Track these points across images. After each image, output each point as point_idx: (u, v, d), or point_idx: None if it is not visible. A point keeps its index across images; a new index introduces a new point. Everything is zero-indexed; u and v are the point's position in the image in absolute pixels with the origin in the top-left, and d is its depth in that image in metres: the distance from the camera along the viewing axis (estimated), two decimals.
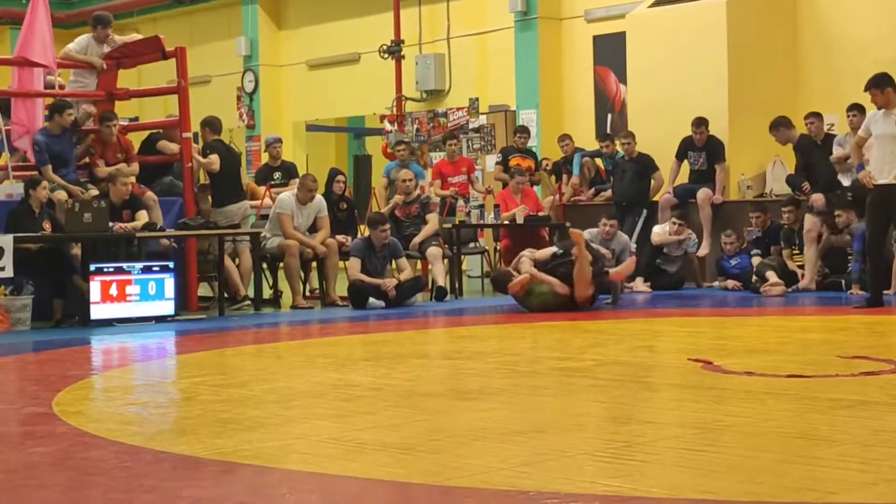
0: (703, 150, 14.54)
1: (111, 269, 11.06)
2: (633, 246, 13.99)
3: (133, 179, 12.29)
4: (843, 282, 12.59)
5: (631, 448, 4.90)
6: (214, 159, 12.83)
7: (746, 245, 13.58)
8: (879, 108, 10.85)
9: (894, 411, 5.77)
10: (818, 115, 13.56)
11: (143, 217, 11.69)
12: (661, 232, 13.95)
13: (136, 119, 14.94)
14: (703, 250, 14.27)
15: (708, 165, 14.52)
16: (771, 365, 7.25)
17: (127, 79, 14.16)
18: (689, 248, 13.99)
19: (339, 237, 13.03)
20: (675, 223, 13.86)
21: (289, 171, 14.48)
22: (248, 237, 12.62)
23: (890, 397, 6.10)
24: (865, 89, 10.90)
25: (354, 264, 12.31)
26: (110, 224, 11.27)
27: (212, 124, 13.28)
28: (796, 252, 13.18)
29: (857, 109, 13.10)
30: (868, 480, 4.26)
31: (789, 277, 12.92)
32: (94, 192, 11.89)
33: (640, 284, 13.67)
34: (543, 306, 11.38)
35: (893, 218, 10.83)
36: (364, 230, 15.23)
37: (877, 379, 6.66)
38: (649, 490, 4.13)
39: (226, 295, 12.34)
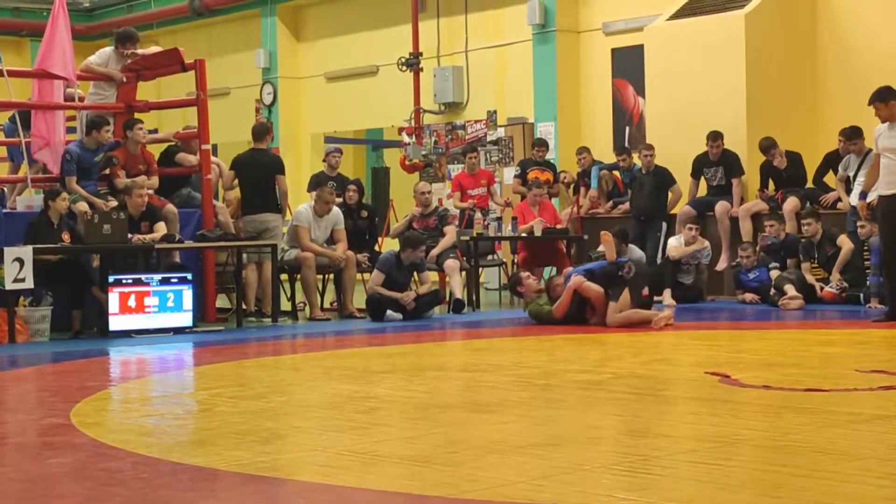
0: (720, 164, 14.53)
1: (129, 281, 11.09)
2: (659, 258, 14.01)
3: (152, 192, 12.31)
4: (862, 295, 12.55)
5: (647, 461, 4.89)
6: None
7: (762, 256, 13.53)
8: (884, 122, 10.85)
9: None
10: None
11: (161, 229, 11.72)
12: (677, 244, 13.93)
13: (156, 131, 14.98)
14: (722, 264, 14.24)
15: (726, 180, 14.50)
16: (789, 379, 7.24)
17: (146, 91, 14.20)
18: (703, 258, 13.97)
19: (359, 256, 13.03)
20: (690, 228, 13.83)
21: (343, 183, 14.44)
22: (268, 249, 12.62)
23: None
24: (869, 103, 10.91)
25: (377, 277, 12.32)
26: (129, 236, 11.30)
27: (252, 131, 13.50)
28: (815, 265, 13.15)
29: (844, 134, 13.20)
30: (886, 495, 4.25)
31: (808, 291, 12.88)
32: (114, 203, 11.93)
33: (668, 298, 13.63)
34: (537, 316, 11.54)
35: None
36: (382, 242, 15.28)
37: (895, 393, 6.64)
38: (666, 503, 4.13)
39: (244, 307, 12.44)
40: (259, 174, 13.05)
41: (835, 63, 15.08)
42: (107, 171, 12.37)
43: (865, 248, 12.57)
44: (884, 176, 10.82)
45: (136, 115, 12.90)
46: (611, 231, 13.42)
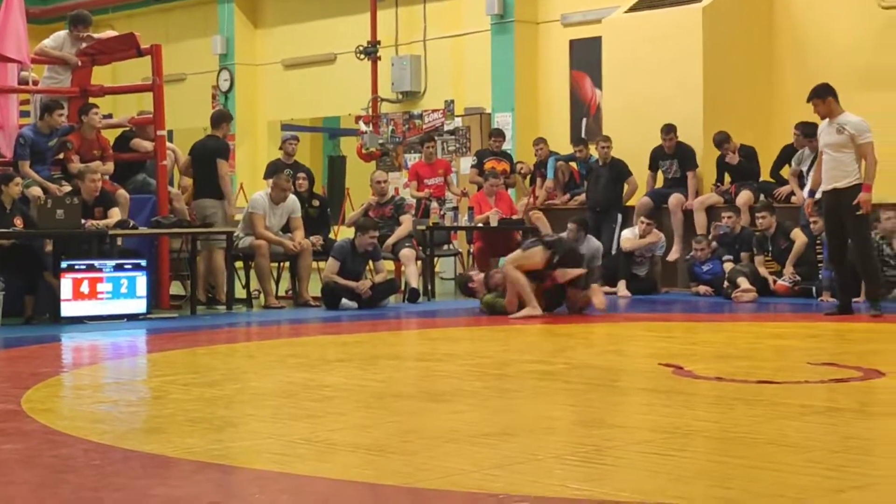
0: (675, 157, 14.61)
1: (83, 267, 11.01)
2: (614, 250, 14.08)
3: (106, 177, 12.22)
4: (814, 289, 12.65)
5: (601, 452, 4.91)
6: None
7: (716, 248, 13.60)
8: (823, 118, 10.95)
9: (863, 418, 5.81)
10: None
11: (115, 215, 11.64)
12: (630, 237, 13.99)
13: (111, 116, 14.86)
14: (674, 255, 14.32)
15: (681, 173, 14.59)
16: (741, 371, 7.28)
17: (101, 76, 14.09)
18: (658, 251, 14.05)
19: (312, 238, 13.00)
20: (643, 222, 13.89)
21: (299, 171, 14.36)
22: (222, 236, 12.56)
23: (858, 404, 6.14)
24: (808, 100, 10.97)
25: (333, 266, 12.29)
26: (83, 221, 11.22)
27: (210, 117, 13.54)
28: (768, 258, 13.23)
29: (800, 129, 13.35)
30: (836, 487, 4.29)
31: (761, 284, 12.97)
32: (68, 188, 11.84)
33: (622, 289, 13.69)
34: (492, 308, 11.56)
35: (846, 223, 10.83)
36: (338, 231, 15.26)
37: (846, 386, 6.69)
38: (618, 494, 4.15)
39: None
40: (204, 159, 13.03)
41: (791, 58, 15.17)
42: (61, 156, 12.27)
43: (818, 242, 12.66)
44: (824, 172, 10.94)
45: (91, 100, 12.78)
46: (572, 219, 13.55)
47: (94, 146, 12.37)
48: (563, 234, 12.44)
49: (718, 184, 14.40)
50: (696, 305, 12.83)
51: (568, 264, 11.34)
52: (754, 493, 4.16)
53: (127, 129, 13.56)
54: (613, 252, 14.12)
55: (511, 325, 10.58)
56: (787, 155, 14.14)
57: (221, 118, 13.56)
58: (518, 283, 11.20)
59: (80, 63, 12.83)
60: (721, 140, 14.20)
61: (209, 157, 12.98)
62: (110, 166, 12.43)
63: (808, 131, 13.13)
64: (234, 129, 20.61)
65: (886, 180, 12.01)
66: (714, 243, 13.67)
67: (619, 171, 14.82)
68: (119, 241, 11.98)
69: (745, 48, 15.16)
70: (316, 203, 13.83)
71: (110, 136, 13.31)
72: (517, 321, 10.86)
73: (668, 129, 14.48)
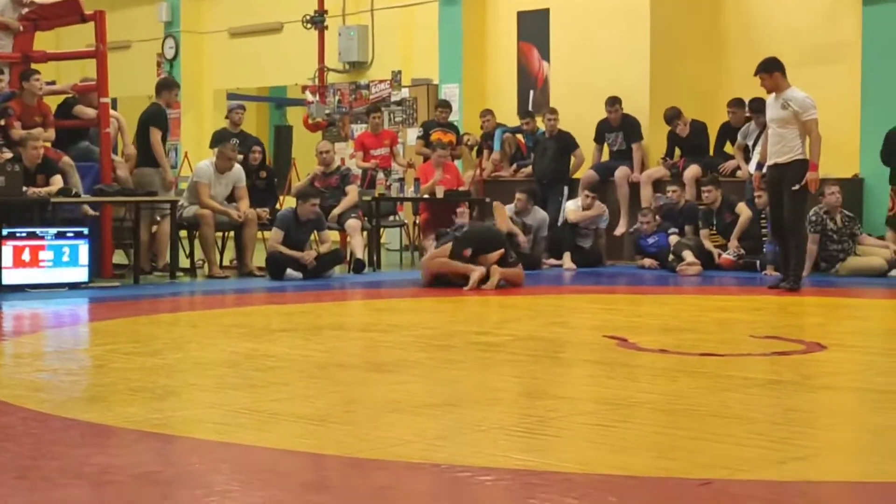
0: (620, 129, 14.66)
1: (24, 234, 10.88)
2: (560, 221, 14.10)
3: (49, 144, 12.08)
4: (758, 262, 12.73)
5: (544, 423, 4.91)
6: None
7: (662, 222, 13.64)
8: (769, 93, 10.98)
9: (804, 391, 5.85)
10: (740, 104, 13.85)
11: (57, 182, 11.50)
12: (574, 208, 14.00)
13: (54, 83, 14.67)
14: (620, 229, 14.37)
15: (626, 145, 14.64)
16: (685, 343, 7.32)
17: (44, 41, 13.91)
18: (601, 223, 14.08)
19: (258, 210, 12.91)
20: (587, 196, 13.92)
21: (246, 141, 14.27)
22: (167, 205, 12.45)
23: (801, 377, 6.18)
24: (755, 74, 10.99)
25: (277, 235, 12.23)
26: (24, 188, 11.09)
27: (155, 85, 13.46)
28: (713, 232, 13.29)
29: (736, 106, 13.50)
30: (777, 458, 4.31)
31: (706, 257, 13.03)
32: (9, 155, 11.67)
33: (567, 261, 13.70)
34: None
35: (785, 196, 10.86)
36: (283, 200, 15.18)
37: (788, 359, 6.74)
38: (561, 465, 4.15)
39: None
40: (141, 127, 12.92)
41: (739, 33, 15.22)
42: (1, 123, 12.10)
43: (763, 216, 12.73)
44: (769, 147, 11.00)
45: (34, 66, 12.61)
46: (520, 189, 13.56)
47: (35, 113, 12.20)
48: (474, 223, 12.38)
49: (667, 158, 14.45)
50: (641, 278, 12.88)
51: (487, 249, 11.34)
52: (697, 464, 4.17)
53: (70, 95, 13.39)
54: (560, 224, 14.13)
55: (456, 297, 10.57)
56: (725, 132, 14.26)
57: (163, 85, 13.45)
58: (445, 266, 11.22)
59: (21, 28, 12.66)
60: (672, 116, 14.27)
61: (143, 125, 12.88)
62: (52, 133, 12.27)
63: (756, 107, 13.19)
64: (179, 98, 20.45)
65: (831, 155, 12.10)
66: (658, 217, 13.72)
67: (565, 143, 14.84)
68: (90, 210, 11.83)
69: (692, 22, 15.20)
70: (263, 175, 13.75)
71: (53, 102, 13.15)
72: (471, 292, 10.84)
73: (613, 101, 14.54)
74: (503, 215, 12.43)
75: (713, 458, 4.25)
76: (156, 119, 12.90)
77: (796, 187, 10.67)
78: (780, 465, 4.21)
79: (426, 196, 14.25)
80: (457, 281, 11.19)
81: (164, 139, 12.97)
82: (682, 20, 15.09)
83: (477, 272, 11.08)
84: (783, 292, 10.70)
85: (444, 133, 15.75)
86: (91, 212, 11.91)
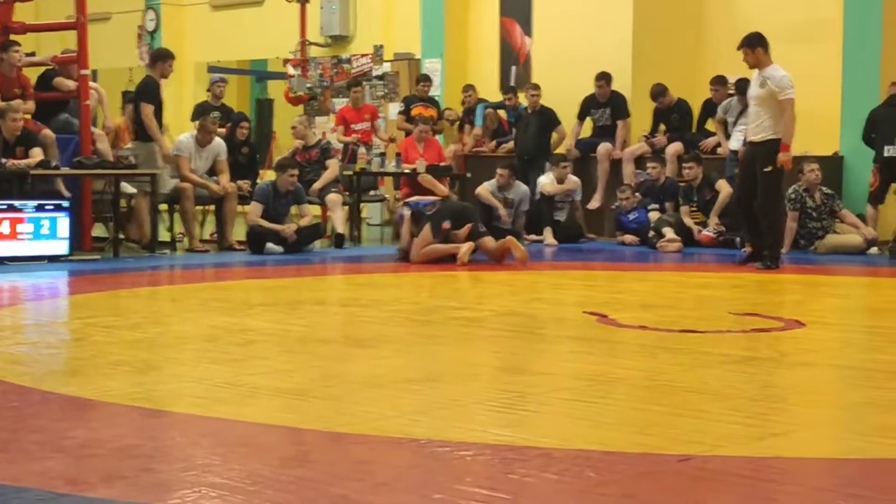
0: (607, 105, 14.66)
1: (3, 207, 10.83)
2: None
3: (28, 116, 12.01)
4: (738, 240, 12.75)
5: (524, 398, 4.92)
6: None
7: (642, 198, 13.65)
8: (752, 68, 10.96)
9: (782, 367, 5.88)
10: (722, 82, 13.86)
11: (37, 154, 11.45)
12: (548, 181, 13.98)
13: (33, 54, 14.58)
14: (594, 203, 14.38)
15: (612, 121, 14.64)
16: (664, 320, 7.34)
17: (24, 12, 13.82)
18: (576, 196, 14.10)
19: (240, 182, 12.88)
20: (563, 167, 13.90)
21: (228, 114, 14.20)
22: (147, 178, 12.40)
23: (779, 354, 6.21)
24: (738, 48, 10.95)
25: (256, 209, 12.19)
26: (3, 161, 11.04)
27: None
28: (694, 209, 13.32)
29: (719, 83, 13.51)
30: (755, 434, 4.33)
31: (686, 234, 13.06)
32: None
33: (548, 237, 13.71)
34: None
35: (758, 174, 10.83)
36: (264, 175, 15.13)
37: (767, 336, 6.77)
38: (541, 440, 4.16)
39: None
40: (135, 102, 12.87)
41: (721, 10, 15.22)
42: None
43: None
44: (749, 123, 11.01)
45: (13, 38, 12.53)
46: (501, 164, 13.57)
47: (14, 84, 12.13)
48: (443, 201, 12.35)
49: (650, 135, 14.46)
50: (621, 254, 12.91)
51: (461, 222, 11.36)
52: (675, 439, 4.20)
53: (49, 67, 13.31)
54: (536, 199, 14.10)
55: (437, 272, 10.57)
56: (707, 110, 14.29)
57: (157, 56, 13.33)
58: (435, 253, 11.22)
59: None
60: (658, 92, 14.26)
61: (135, 100, 12.83)
62: (31, 105, 12.20)
63: (742, 87, 13.17)
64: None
65: (810, 133, 12.13)
66: (637, 193, 13.74)
67: (547, 119, 14.83)
68: (59, 184, 11.78)
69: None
70: (245, 150, 13.71)
71: (32, 74, 13.08)
72: (461, 267, 10.85)
73: (602, 77, 14.53)
74: (433, 183, 12.43)
75: (692, 434, 4.27)
76: (145, 93, 12.78)
77: (768, 169, 10.62)
78: (759, 440, 4.24)
79: (407, 171, 14.23)
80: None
81: (159, 112, 12.84)
82: None
83: (465, 246, 11.10)
84: (760, 270, 10.66)
85: (426, 108, 15.73)
86: (66, 192, 11.83)
